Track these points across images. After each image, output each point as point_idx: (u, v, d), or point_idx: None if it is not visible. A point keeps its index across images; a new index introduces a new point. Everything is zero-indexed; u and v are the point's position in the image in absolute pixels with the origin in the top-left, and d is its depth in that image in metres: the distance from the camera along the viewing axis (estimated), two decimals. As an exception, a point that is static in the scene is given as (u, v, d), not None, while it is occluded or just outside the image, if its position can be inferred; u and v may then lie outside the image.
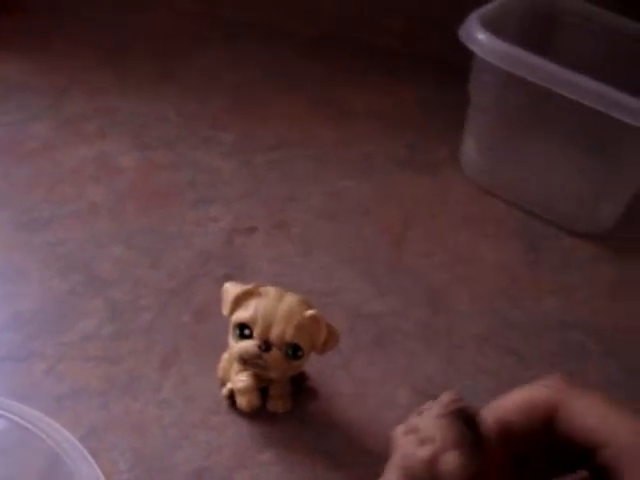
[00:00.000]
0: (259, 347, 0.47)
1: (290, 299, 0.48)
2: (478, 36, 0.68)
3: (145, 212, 0.65)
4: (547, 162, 0.73)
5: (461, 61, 0.71)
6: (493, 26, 0.69)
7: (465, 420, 0.30)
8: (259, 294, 0.48)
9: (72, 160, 0.69)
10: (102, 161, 0.70)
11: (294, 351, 0.48)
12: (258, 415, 0.50)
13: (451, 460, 0.29)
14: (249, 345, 0.47)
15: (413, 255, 0.66)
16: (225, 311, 0.49)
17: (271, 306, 0.48)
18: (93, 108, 0.76)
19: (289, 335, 0.47)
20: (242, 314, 0.48)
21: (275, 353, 0.47)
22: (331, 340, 0.49)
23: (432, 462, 0.29)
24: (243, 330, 0.48)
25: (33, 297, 0.57)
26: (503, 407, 0.39)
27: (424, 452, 0.29)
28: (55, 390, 0.50)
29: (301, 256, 0.64)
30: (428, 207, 0.72)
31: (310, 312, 0.48)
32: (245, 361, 0.48)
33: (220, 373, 0.52)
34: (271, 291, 0.49)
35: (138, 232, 0.63)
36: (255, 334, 0.48)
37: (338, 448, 0.50)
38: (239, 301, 0.48)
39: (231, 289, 0.49)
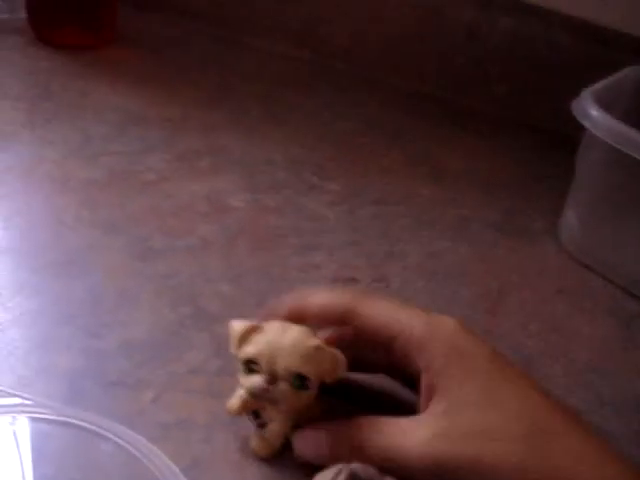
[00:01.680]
0: (266, 381, 0.48)
1: (294, 330, 0.49)
2: (591, 112, 0.69)
3: (252, 253, 0.67)
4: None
5: (565, 131, 0.72)
6: (606, 102, 0.70)
7: None
8: (263, 329, 0.49)
9: (185, 195, 0.72)
10: (214, 198, 0.73)
11: (301, 381, 0.48)
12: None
13: None
14: (256, 380, 0.48)
15: (508, 322, 0.67)
16: (232, 349, 0.50)
17: (276, 339, 0.48)
18: (206, 145, 0.79)
19: (294, 365, 0.48)
20: (248, 349, 0.49)
21: (282, 385, 0.48)
22: (338, 367, 0.49)
23: None
24: (250, 366, 0.49)
25: (143, 326, 0.59)
26: (306, 302, 0.52)
27: None
28: (161, 419, 0.52)
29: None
30: (524, 275, 0.72)
31: (314, 341, 0.48)
32: (255, 396, 0.49)
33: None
34: (275, 325, 0.50)
35: (245, 272, 0.65)
36: (262, 368, 0.48)
37: None
38: (245, 337, 0.49)
39: (236, 326, 0.50)
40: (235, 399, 0.52)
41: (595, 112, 0.69)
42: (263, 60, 0.98)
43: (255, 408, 0.51)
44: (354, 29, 0.98)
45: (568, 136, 0.76)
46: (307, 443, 0.49)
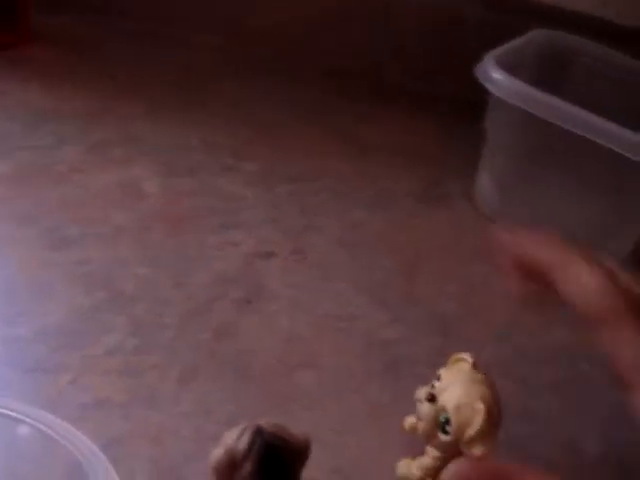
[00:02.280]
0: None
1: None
2: (494, 75, 0.71)
3: (168, 236, 0.67)
4: (561, 201, 0.75)
5: (477, 99, 0.73)
6: (509, 66, 0.72)
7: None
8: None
9: (99, 184, 0.72)
10: (127, 186, 0.73)
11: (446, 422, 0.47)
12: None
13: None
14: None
15: (426, 286, 0.68)
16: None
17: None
18: (121, 135, 0.79)
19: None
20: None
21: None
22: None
23: None
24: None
25: (58, 312, 0.59)
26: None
27: None
28: (79, 400, 0.52)
29: (317, 282, 0.66)
30: (441, 240, 0.74)
31: (480, 406, 0.46)
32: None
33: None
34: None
35: (161, 254, 0.65)
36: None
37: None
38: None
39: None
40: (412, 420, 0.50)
41: (497, 75, 0.71)
42: (180, 51, 0.98)
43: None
44: (272, 12, 0.99)
45: (478, 102, 0.77)
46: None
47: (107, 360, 0.55)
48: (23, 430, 0.50)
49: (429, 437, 0.49)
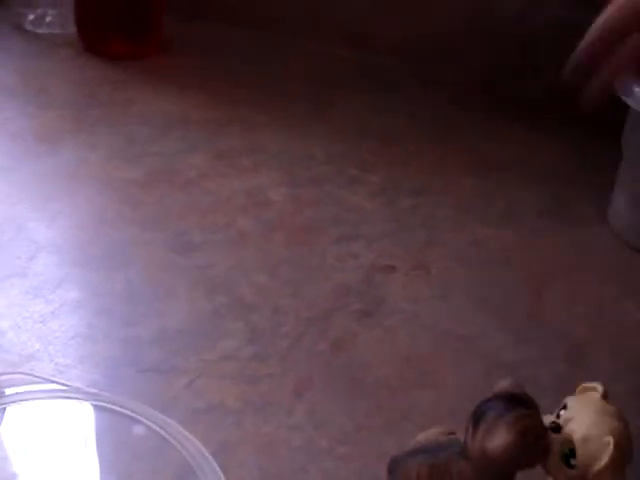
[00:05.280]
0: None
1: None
2: (635, 89, 0.67)
3: (289, 244, 0.67)
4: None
5: (613, 118, 0.70)
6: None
7: None
8: None
9: (225, 191, 0.73)
10: (253, 193, 0.73)
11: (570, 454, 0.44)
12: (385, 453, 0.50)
13: None
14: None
15: (554, 307, 0.65)
16: None
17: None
18: (247, 144, 0.80)
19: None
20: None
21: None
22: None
23: None
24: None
25: (179, 315, 0.59)
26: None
27: None
28: (193, 404, 0.52)
29: (438, 299, 0.64)
30: (572, 260, 0.70)
31: (608, 438, 0.44)
32: None
33: None
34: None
35: (282, 262, 0.65)
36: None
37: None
38: None
39: None
40: None
41: (638, 88, 0.67)
42: (309, 60, 0.98)
43: None
44: (402, 25, 0.98)
45: (616, 121, 0.74)
46: None
47: (223, 365, 0.55)
48: (138, 429, 0.51)
49: (552, 470, 0.46)
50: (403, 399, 0.55)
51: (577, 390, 0.47)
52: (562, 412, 0.46)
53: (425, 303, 0.63)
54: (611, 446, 0.43)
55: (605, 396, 0.46)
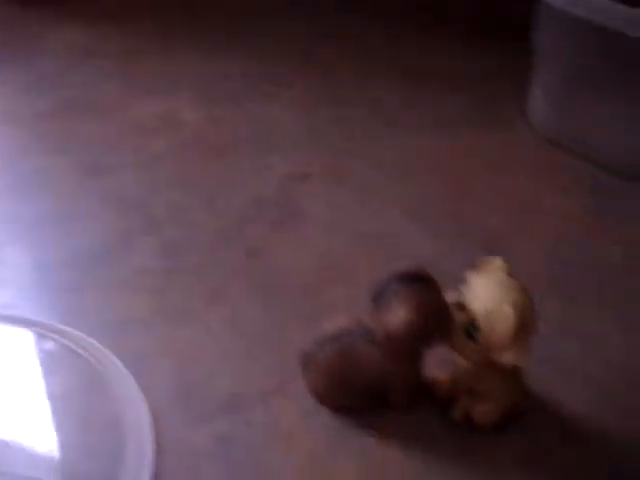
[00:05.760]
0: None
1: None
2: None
3: (204, 162, 0.67)
4: (615, 113, 0.71)
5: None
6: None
7: None
8: None
9: (137, 116, 0.72)
10: (166, 116, 0.72)
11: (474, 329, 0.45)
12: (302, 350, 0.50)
13: None
14: None
15: (474, 205, 0.65)
16: None
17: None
18: (159, 71, 0.79)
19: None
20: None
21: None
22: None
23: None
24: None
25: (92, 236, 0.58)
26: None
27: None
28: (105, 318, 0.52)
29: (358, 203, 0.64)
30: (494, 159, 0.70)
31: (508, 309, 0.44)
32: None
33: None
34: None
35: (195, 179, 0.64)
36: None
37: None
38: None
39: None
40: None
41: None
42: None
43: None
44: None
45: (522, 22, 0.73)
46: None
47: (136, 280, 0.55)
48: (48, 345, 0.50)
49: (457, 346, 0.46)
50: (318, 299, 0.55)
51: (477, 264, 0.47)
52: (465, 289, 0.46)
53: (342, 208, 0.63)
54: (512, 316, 0.44)
55: (507, 271, 0.47)
